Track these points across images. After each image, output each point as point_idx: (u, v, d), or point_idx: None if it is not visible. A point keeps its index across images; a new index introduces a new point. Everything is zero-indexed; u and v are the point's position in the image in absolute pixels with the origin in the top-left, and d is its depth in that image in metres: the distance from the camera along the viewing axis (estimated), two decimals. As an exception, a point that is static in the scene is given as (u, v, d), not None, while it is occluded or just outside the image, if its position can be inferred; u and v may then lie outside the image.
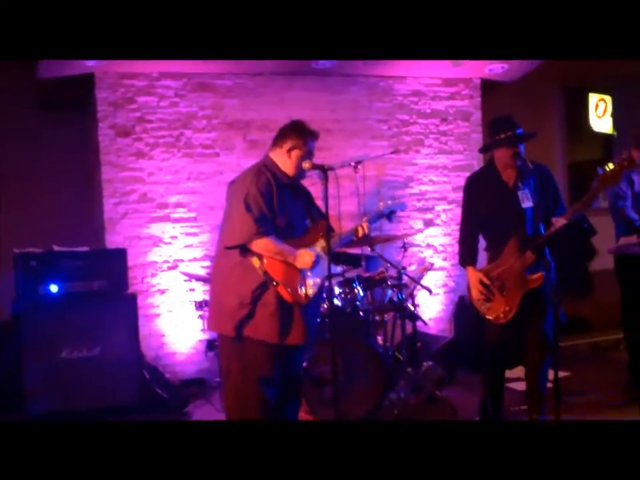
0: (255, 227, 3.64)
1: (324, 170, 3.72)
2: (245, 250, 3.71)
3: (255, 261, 3.69)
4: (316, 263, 3.78)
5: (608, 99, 8.29)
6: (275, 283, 3.68)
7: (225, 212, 3.86)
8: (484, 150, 4.70)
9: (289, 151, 3.82)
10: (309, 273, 3.78)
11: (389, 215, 4.17)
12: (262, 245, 3.68)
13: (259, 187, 3.71)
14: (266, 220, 3.69)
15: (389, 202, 4.26)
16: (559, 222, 4.13)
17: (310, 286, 3.78)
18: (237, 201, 3.71)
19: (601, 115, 8.30)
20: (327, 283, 3.83)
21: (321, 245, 3.86)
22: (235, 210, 3.73)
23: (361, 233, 4.00)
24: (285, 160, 3.85)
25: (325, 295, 4.64)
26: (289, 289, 3.70)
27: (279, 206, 3.77)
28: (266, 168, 3.83)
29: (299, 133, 3.85)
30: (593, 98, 8.28)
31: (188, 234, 6.25)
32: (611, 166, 3.91)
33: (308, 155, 3.85)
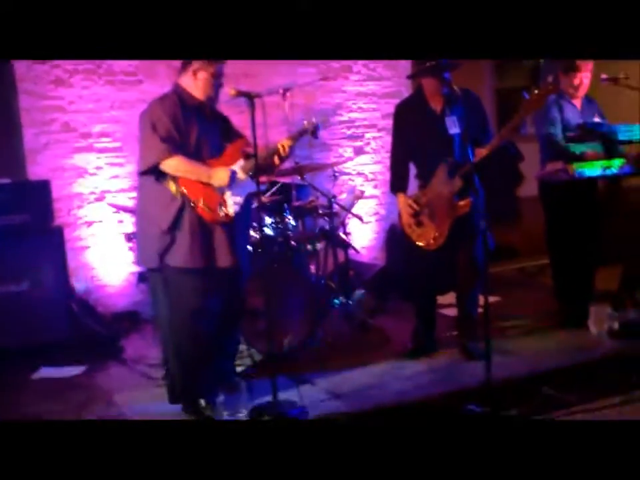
0: (161, 145, 3.60)
1: (250, 97, 3.64)
2: (158, 174, 3.66)
3: (171, 185, 3.65)
4: (232, 179, 3.74)
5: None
6: (192, 204, 3.63)
7: (138, 141, 3.80)
8: (411, 77, 4.67)
9: (195, 73, 3.75)
10: (228, 192, 3.73)
11: (314, 131, 4.08)
12: (173, 164, 3.64)
13: (164, 110, 3.68)
14: (173, 139, 3.64)
15: (313, 119, 4.18)
16: (482, 152, 4.17)
17: (230, 205, 3.73)
18: (144, 126, 3.69)
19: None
20: (254, 207, 3.80)
21: (240, 164, 3.81)
22: (143, 134, 3.70)
23: (282, 151, 3.94)
24: (192, 83, 3.78)
25: (255, 223, 4.63)
26: (208, 209, 3.66)
27: (190, 130, 3.72)
28: (174, 94, 3.79)
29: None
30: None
31: (113, 164, 6.08)
32: (535, 90, 3.94)
33: (216, 77, 3.77)
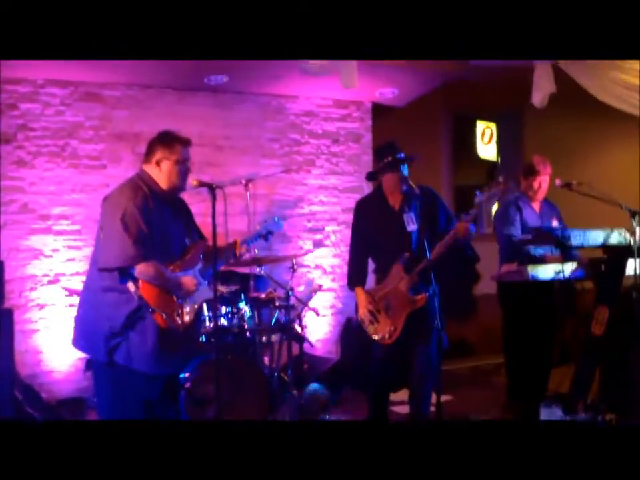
0: (133, 249, 3.47)
1: (212, 188, 3.63)
2: (122, 273, 3.52)
3: (130, 285, 3.50)
4: (196, 290, 3.69)
5: (493, 126, 8.59)
6: (150, 309, 3.51)
7: (100, 228, 3.65)
8: (369, 177, 4.76)
9: (158, 163, 3.67)
10: (187, 302, 3.67)
11: (266, 235, 4.15)
12: (142, 269, 3.50)
13: (136, 204, 3.55)
14: (144, 239, 3.52)
15: (265, 221, 4.26)
16: (424, 262, 4.25)
17: (187, 313, 3.67)
18: (114, 219, 3.52)
19: (487, 141, 8.59)
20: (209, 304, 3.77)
21: (199, 266, 3.78)
22: (112, 229, 3.53)
23: (238, 253, 3.97)
24: (157, 173, 3.69)
25: (209, 315, 4.58)
26: (164, 316, 3.54)
27: (157, 223, 3.62)
28: (142, 181, 3.68)
29: (165, 143, 3.70)
30: (480, 125, 8.56)
31: (71, 247, 6.04)
32: (487, 190, 4.08)
33: (180, 164, 3.69)
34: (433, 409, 4.42)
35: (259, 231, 4.15)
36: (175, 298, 3.64)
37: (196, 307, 3.73)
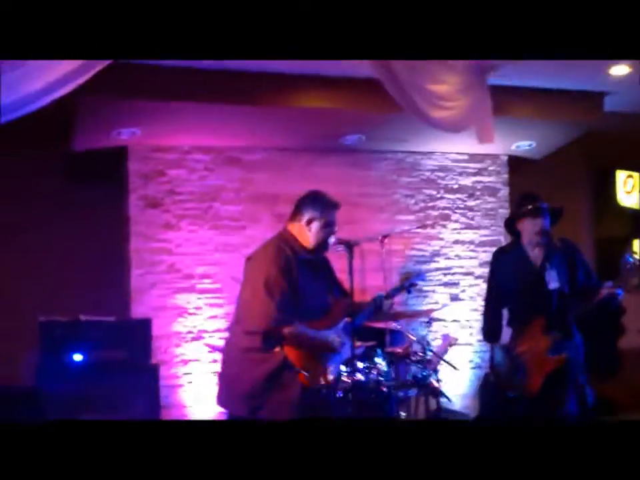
0: (276, 312, 3.47)
1: (349, 245, 3.68)
2: (266, 336, 3.52)
3: (276, 347, 3.53)
4: (342, 347, 3.69)
5: (636, 175, 8.27)
6: (294, 369, 3.51)
7: (243, 288, 3.71)
8: (509, 222, 4.58)
9: (308, 223, 3.66)
10: (331, 362, 3.69)
11: (409, 288, 4.13)
12: (288, 333, 3.51)
13: (279, 266, 3.55)
14: (288, 302, 3.52)
15: (406, 274, 4.23)
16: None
17: (330, 372, 3.66)
18: (257, 283, 3.52)
19: (629, 190, 8.27)
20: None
21: (343, 324, 3.77)
22: (256, 293, 3.53)
23: (385, 307, 3.95)
24: (304, 233, 3.67)
25: (347, 370, 4.60)
26: (309, 376, 3.53)
27: (300, 284, 3.60)
28: (285, 243, 3.66)
29: (317, 204, 3.69)
30: (621, 175, 8.26)
31: (212, 305, 6.28)
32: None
33: (328, 225, 3.68)
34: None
35: (403, 284, 4.11)
36: (319, 357, 3.63)
37: (340, 364, 3.76)
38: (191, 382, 6.16)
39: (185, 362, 6.17)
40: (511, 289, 4.44)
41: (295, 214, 3.74)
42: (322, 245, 3.72)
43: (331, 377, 3.67)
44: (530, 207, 4.29)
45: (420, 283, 4.81)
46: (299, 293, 3.60)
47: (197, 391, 6.15)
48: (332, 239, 3.70)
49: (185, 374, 6.16)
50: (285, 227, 3.78)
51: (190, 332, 6.21)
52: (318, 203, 3.71)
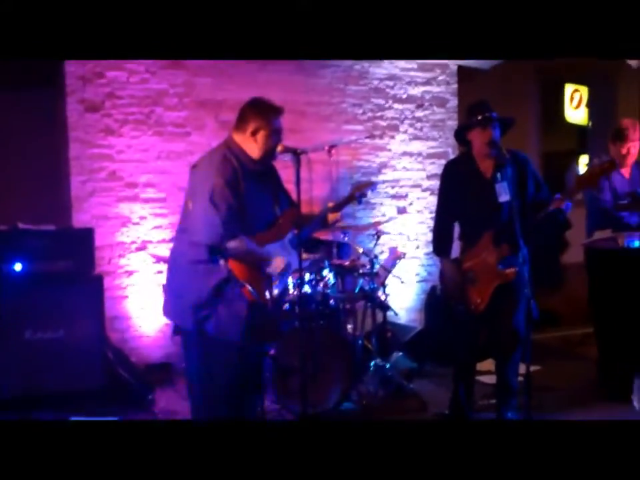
0: (222, 228, 3.44)
1: (296, 153, 3.55)
2: (211, 249, 3.50)
3: (221, 261, 3.49)
4: (287, 267, 3.64)
5: (584, 89, 8.28)
6: (240, 284, 3.49)
7: (188, 198, 3.64)
8: (458, 133, 4.53)
9: (253, 133, 3.60)
10: (276, 279, 3.64)
11: (359, 198, 4.00)
12: (232, 246, 3.47)
13: (225, 178, 3.49)
14: (234, 217, 3.49)
15: (357, 184, 4.13)
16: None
17: (275, 286, 3.63)
18: (202, 195, 3.48)
19: (575, 105, 8.29)
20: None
21: (290, 236, 3.74)
22: (201, 205, 3.50)
23: (331, 219, 3.89)
24: (250, 143, 3.62)
25: (294, 282, 4.58)
26: (253, 291, 3.51)
27: (246, 196, 3.57)
28: (231, 153, 3.61)
29: (260, 112, 3.61)
30: (569, 89, 8.26)
31: (157, 215, 6.12)
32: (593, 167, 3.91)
33: (274, 134, 3.62)
34: (520, 379, 4.34)
35: (354, 194, 3.98)
36: (262, 274, 3.59)
37: (285, 280, 3.70)
38: (136, 293, 6.07)
39: (130, 273, 6.05)
40: (461, 201, 4.44)
41: (240, 123, 3.67)
42: (269, 154, 3.67)
43: (276, 292, 3.64)
44: (480, 116, 4.23)
45: (368, 194, 4.74)
46: (246, 206, 3.56)
47: (141, 302, 6.06)
48: (279, 148, 3.61)
49: (129, 285, 6.05)
50: (230, 136, 3.70)
51: (134, 242, 6.07)
52: (262, 110, 3.64)
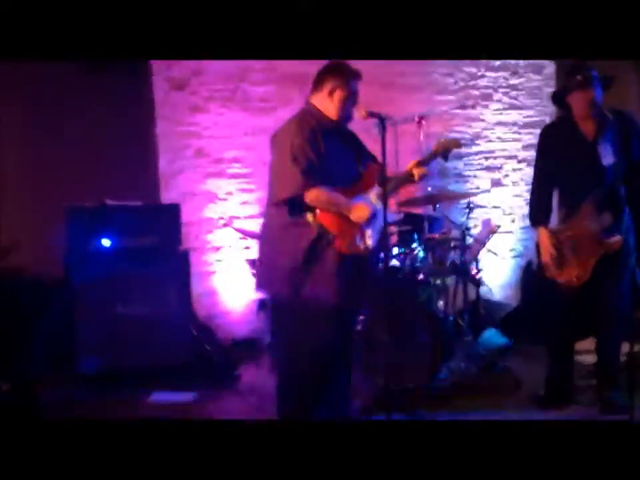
0: (303, 178, 3.43)
1: (381, 118, 3.41)
2: (294, 205, 3.47)
3: (309, 216, 3.46)
4: (372, 216, 3.55)
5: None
6: (330, 237, 3.45)
7: (271, 166, 3.65)
8: (557, 96, 4.28)
9: (330, 93, 3.58)
10: (366, 227, 3.56)
11: (445, 154, 3.80)
12: (313, 196, 3.45)
13: (304, 135, 3.48)
14: (314, 169, 3.45)
15: (442, 140, 3.88)
16: None
17: (368, 237, 3.55)
18: (282, 153, 3.51)
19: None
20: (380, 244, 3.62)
21: (375, 192, 3.61)
22: (281, 163, 3.52)
23: (417, 175, 3.72)
24: (327, 104, 3.60)
25: (382, 254, 4.43)
26: (346, 241, 3.47)
27: (327, 153, 3.51)
28: (309, 115, 3.61)
29: (338, 73, 3.60)
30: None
31: (243, 190, 6.08)
32: None
33: (351, 96, 3.60)
34: (623, 359, 4.08)
35: (437, 150, 3.79)
36: (353, 223, 3.52)
37: (376, 231, 3.60)
38: (224, 269, 6.04)
39: (217, 248, 6.03)
40: (561, 166, 4.18)
41: (317, 85, 3.67)
42: (346, 115, 3.65)
43: (369, 242, 3.56)
44: (579, 77, 3.99)
45: (461, 166, 4.51)
46: (326, 162, 3.52)
47: (228, 278, 6.03)
48: (363, 113, 3.48)
49: (217, 261, 6.04)
50: (308, 101, 3.70)
51: (221, 218, 6.04)
52: (339, 72, 3.62)
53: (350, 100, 3.60)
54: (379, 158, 3.45)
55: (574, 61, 4.16)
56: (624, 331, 4.12)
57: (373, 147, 3.65)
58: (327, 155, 3.53)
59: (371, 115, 3.45)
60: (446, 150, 3.79)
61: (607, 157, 4.01)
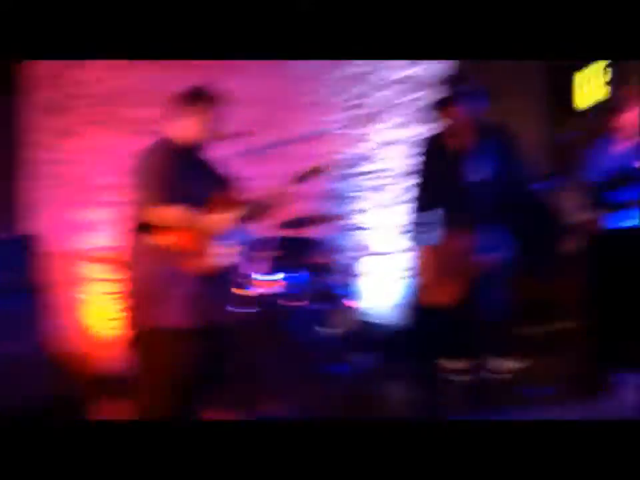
0: (152, 198, 3.43)
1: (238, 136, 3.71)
2: (148, 229, 3.47)
3: (160, 238, 3.44)
4: (230, 234, 3.59)
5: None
6: (183, 256, 3.45)
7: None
8: (433, 109, 4.24)
9: (185, 120, 3.66)
10: (220, 242, 3.57)
11: (308, 178, 3.85)
12: (165, 216, 3.44)
13: (156, 161, 3.55)
14: (166, 194, 3.43)
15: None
16: None
17: (222, 254, 3.56)
18: (136, 179, 3.56)
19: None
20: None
21: (234, 212, 3.62)
22: (135, 189, 3.56)
23: (279, 200, 3.78)
24: (182, 130, 3.67)
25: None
26: (195, 259, 3.47)
27: (180, 178, 3.53)
28: (163, 142, 3.67)
29: (192, 100, 3.69)
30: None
31: (113, 219, 5.73)
32: None
33: (207, 121, 3.67)
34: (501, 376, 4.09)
35: (303, 175, 3.83)
36: (207, 240, 3.52)
37: (231, 249, 3.62)
38: (89, 302, 5.82)
39: (83, 280, 5.80)
40: (434, 181, 4.14)
41: (172, 112, 3.72)
42: (200, 141, 3.74)
43: (226, 260, 3.58)
44: (453, 90, 4.01)
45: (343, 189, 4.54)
46: (179, 186, 3.52)
47: (93, 312, 5.81)
48: (219, 135, 3.69)
49: (83, 294, 5.81)
50: (163, 128, 3.75)
51: (89, 249, 5.78)
52: (193, 100, 3.71)
53: (205, 125, 3.66)
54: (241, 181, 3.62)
55: (452, 73, 4.24)
56: (502, 349, 4.12)
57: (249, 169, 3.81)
58: (180, 180, 3.52)
59: (228, 136, 3.67)
60: (307, 176, 3.84)
61: (479, 173, 3.97)
